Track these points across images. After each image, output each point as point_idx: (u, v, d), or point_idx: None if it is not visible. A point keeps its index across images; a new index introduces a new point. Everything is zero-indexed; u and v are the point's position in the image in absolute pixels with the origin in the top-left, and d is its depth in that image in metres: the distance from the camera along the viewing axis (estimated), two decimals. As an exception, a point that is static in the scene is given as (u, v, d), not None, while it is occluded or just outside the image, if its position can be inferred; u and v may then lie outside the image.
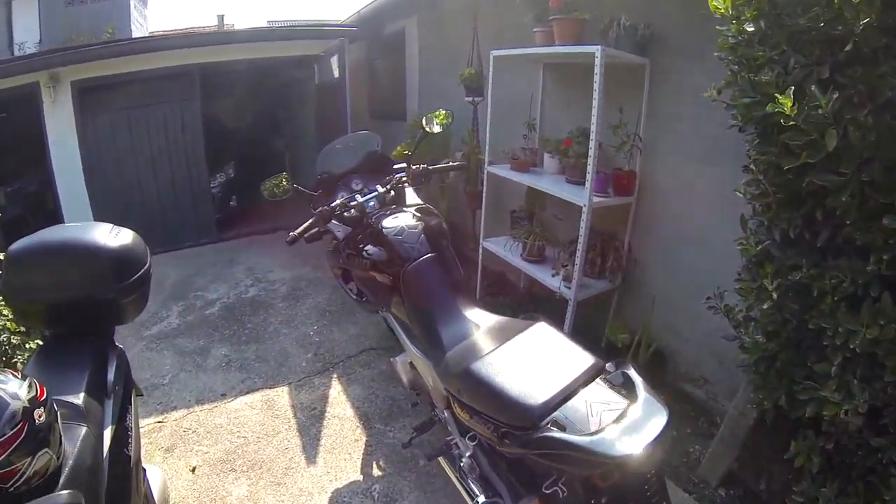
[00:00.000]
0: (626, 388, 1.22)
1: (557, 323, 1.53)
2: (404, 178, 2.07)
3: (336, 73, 4.23)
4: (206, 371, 2.79)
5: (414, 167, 2.08)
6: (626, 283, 2.86)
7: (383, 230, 1.78)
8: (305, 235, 1.82)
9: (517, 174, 3.07)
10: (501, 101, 3.40)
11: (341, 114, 4.26)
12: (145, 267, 1.47)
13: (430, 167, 2.14)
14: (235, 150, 6.10)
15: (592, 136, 2.43)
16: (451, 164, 2.29)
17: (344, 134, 4.10)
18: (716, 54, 1.56)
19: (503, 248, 3.13)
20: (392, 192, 2.04)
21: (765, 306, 1.43)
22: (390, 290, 1.76)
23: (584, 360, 1.30)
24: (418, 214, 1.89)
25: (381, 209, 2.00)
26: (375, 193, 2.00)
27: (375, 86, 5.95)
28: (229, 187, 5.14)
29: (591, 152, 2.45)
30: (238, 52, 4.67)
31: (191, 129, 4.61)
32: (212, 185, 4.83)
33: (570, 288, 2.62)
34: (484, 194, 3.35)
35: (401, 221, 1.82)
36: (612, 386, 1.24)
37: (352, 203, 1.93)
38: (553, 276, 2.76)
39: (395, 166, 2.11)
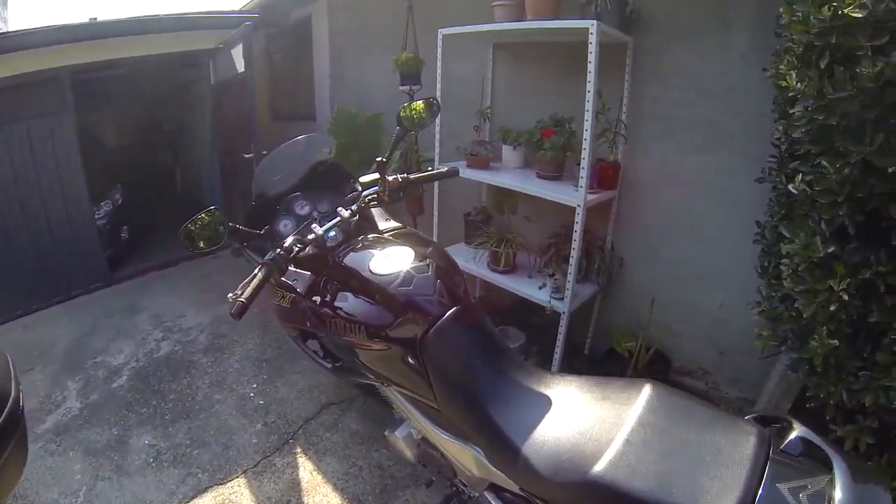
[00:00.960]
0: (810, 456, 0.88)
1: (548, 338, 1.24)
2: (375, 195, 1.54)
3: (240, 67, 3.49)
4: (130, 474, 2.06)
5: (391, 178, 1.54)
6: (610, 284, 2.62)
7: (373, 278, 1.29)
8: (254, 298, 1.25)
9: (476, 172, 2.67)
10: (452, 88, 2.99)
11: (248, 116, 3.51)
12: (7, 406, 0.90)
13: (412, 177, 1.62)
14: (122, 172, 5.08)
15: (587, 124, 2.09)
16: (437, 170, 1.76)
17: (251, 140, 3.47)
18: (784, 36, 1.39)
19: (466, 260, 2.70)
20: (357, 216, 1.52)
21: (833, 308, 1.33)
22: (391, 360, 1.27)
23: (743, 432, 0.91)
24: (415, 247, 1.40)
25: (348, 242, 1.51)
26: (337, 219, 1.46)
27: (277, 82, 5.23)
28: (118, 217, 4.23)
29: (585, 143, 2.11)
30: (117, 49, 3.71)
31: (64, 148, 3.57)
32: (97, 217, 3.90)
33: (562, 300, 2.27)
34: (436, 197, 2.90)
35: (396, 261, 1.33)
36: (793, 458, 0.88)
37: (308, 237, 1.39)
38: (540, 288, 2.39)
39: (362, 179, 1.55)
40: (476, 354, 1.21)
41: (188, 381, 2.65)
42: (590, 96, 2.08)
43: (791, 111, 1.44)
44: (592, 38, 1.96)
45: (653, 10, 2.23)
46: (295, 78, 4.65)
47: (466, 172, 2.70)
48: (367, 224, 1.61)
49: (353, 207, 1.50)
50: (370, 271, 1.30)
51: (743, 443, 0.88)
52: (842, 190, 1.28)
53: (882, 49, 1.14)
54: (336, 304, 1.35)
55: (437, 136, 2.78)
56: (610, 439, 0.92)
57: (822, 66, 1.27)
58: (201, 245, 1.32)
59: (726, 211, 2.24)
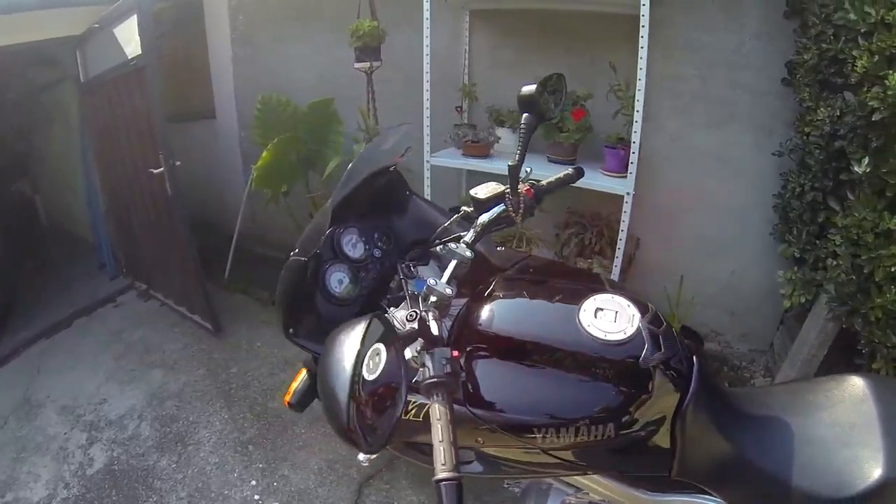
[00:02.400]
0: None
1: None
2: (503, 215, 1.06)
3: (131, 51, 2.49)
4: None
5: (524, 188, 1.07)
6: (630, 265, 2.50)
7: (593, 345, 0.87)
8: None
9: (477, 161, 2.33)
10: (400, 66, 2.51)
11: (149, 117, 2.52)
12: None
13: (543, 183, 1.16)
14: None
15: (639, 99, 1.74)
16: (564, 173, 1.23)
17: (159, 149, 2.57)
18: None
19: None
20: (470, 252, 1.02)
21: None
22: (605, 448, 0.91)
23: None
24: (606, 288, 0.99)
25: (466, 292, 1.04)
26: (453, 263, 0.98)
27: (165, 74, 4.12)
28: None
29: (636, 125, 1.77)
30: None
31: None
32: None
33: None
34: (429, 197, 2.40)
35: (610, 313, 0.91)
36: None
37: (430, 299, 0.91)
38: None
39: (479, 193, 1.06)
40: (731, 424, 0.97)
41: (156, 501, 1.93)
42: (642, 73, 1.91)
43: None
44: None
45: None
46: (186, 66, 3.70)
47: (463, 162, 2.29)
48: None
49: (469, 239, 1.01)
50: (586, 334, 0.88)
51: None
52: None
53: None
54: (507, 392, 0.90)
55: (427, 122, 2.26)
56: (870, 438, 0.89)
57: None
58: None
59: (738, 184, 2.36)
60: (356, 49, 2.38)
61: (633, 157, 1.96)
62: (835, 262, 1.85)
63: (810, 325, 2.16)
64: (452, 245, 1.01)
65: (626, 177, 2.04)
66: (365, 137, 2.61)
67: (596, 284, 1.06)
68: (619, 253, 2.11)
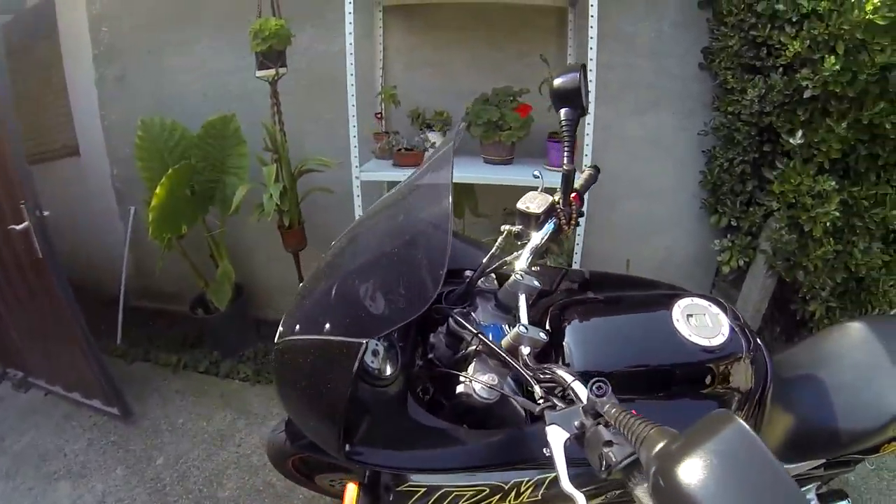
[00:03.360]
0: None
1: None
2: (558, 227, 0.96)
3: None
4: None
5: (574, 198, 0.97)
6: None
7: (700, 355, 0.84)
8: None
9: (400, 171, 2.13)
10: (303, 72, 2.24)
11: (4, 154, 1.97)
12: None
13: (580, 188, 1.05)
14: None
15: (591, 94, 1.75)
16: (590, 174, 1.11)
17: (22, 195, 1.97)
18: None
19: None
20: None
21: (829, 224, 1.95)
22: None
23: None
24: (693, 296, 0.91)
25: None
26: (530, 289, 0.85)
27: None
28: None
29: (590, 117, 1.78)
30: None
31: None
32: None
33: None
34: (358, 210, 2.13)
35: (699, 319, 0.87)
36: None
37: (522, 349, 0.73)
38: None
39: (529, 206, 0.94)
40: None
41: None
42: (592, 65, 1.87)
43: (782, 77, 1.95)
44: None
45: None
46: (37, 95, 3.07)
47: (395, 173, 2.07)
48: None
49: (525, 264, 0.88)
50: (691, 344, 0.83)
51: None
52: (846, 141, 1.86)
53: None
54: None
55: (354, 132, 1.98)
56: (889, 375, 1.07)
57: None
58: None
59: (666, 165, 2.48)
60: (259, 54, 2.04)
61: (588, 149, 1.88)
62: (777, 225, 2.09)
63: (751, 284, 2.40)
64: (519, 276, 0.84)
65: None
66: (274, 158, 2.27)
67: (665, 289, 1.05)
68: (579, 245, 2.07)
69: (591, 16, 1.78)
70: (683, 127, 2.43)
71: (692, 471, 0.39)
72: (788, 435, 1.06)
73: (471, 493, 0.82)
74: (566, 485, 0.56)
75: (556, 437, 0.58)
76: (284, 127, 2.23)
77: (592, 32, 1.81)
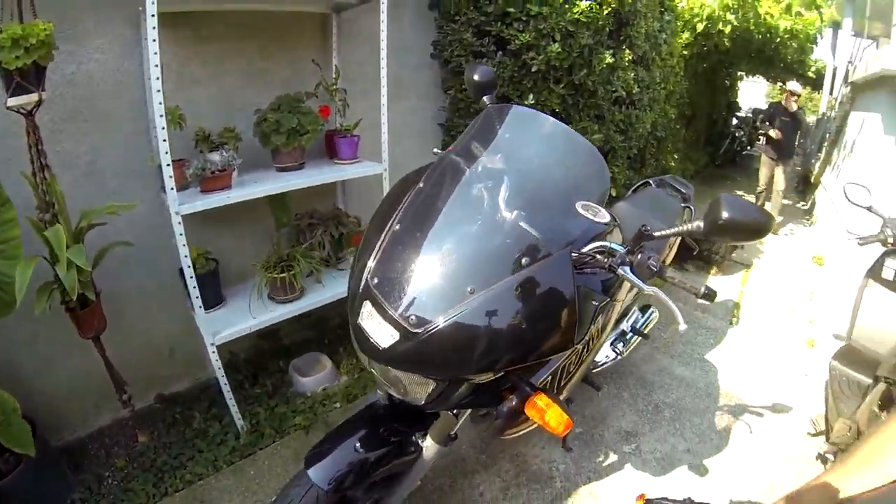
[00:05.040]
0: None
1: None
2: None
3: None
4: None
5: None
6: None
7: None
8: None
9: (221, 195, 2.01)
10: (65, 96, 1.95)
11: None
12: None
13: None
14: None
15: (384, 85, 2.27)
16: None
17: None
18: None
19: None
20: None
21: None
22: None
23: None
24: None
25: None
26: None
27: None
28: None
29: (383, 108, 2.33)
30: None
31: None
32: None
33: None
34: (187, 268, 1.94)
35: None
36: None
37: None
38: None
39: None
40: None
41: None
42: (384, 63, 2.25)
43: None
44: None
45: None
46: None
47: (207, 201, 1.94)
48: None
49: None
50: None
51: None
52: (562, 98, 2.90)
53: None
54: None
55: (166, 161, 1.76)
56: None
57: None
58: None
59: (416, 142, 3.02)
60: (11, 75, 1.49)
61: (384, 138, 2.29)
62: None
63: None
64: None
65: (372, 161, 2.47)
66: (46, 218, 1.70)
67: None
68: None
69: (382, 20, 2.18)
70: (425, 108, 3.05)
71: None
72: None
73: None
74: (647, 288, 1.01)
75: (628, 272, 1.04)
76: (53, 170, 1.72)
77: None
